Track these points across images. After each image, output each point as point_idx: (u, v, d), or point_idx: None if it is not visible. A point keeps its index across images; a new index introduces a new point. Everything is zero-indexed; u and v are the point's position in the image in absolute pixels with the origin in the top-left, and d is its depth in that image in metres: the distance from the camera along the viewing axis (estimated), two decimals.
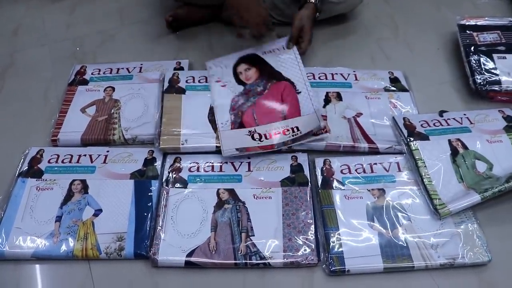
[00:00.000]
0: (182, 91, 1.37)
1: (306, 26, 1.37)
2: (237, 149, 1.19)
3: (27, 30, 1.73)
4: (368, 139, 1.25)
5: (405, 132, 1.23)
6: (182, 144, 1.23)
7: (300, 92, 1.30)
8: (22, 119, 1.39)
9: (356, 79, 1.42)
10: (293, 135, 1.20)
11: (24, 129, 1.36)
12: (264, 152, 1.20)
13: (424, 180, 1.13)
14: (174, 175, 1.18)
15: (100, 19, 1.76)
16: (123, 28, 1.71)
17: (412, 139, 1.21)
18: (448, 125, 1.26)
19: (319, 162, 1.21)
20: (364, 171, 1.18)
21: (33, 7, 1.83)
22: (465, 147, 1.20)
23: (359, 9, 1.64)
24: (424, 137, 1.22)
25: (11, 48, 1.65)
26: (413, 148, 1.19)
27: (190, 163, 1.21)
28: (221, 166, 1.21)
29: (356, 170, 1.19)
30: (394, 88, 1.39)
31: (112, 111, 1.34)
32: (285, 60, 1.37)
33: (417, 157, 1.17)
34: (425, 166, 1.16)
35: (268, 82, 1.34)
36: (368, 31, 1.64)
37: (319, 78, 1.42)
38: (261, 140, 1.20)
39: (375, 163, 1.20)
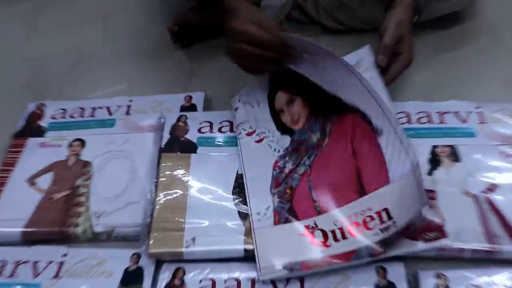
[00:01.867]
0: (191, 148, 0.90)
1: (406, 36, 0.88)
2: (285, 267, 0.70)
3: None
4: None
5: None
6: (187, 247, 0.75)
7: (381, 130, 0.77)
8: None
9: (482, 122, 0.90)
10: (382, 230, 0.69)
11: None
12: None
13: None
14: None
15: (73, 29, 1.34)
16: (106, 43, 1.28)
17: None
18: None
19: (426, 278, 0.70)
20: None
21: None
22: None
23: (479, 5, 1.15)
24: None
25: None
26: None
27: (201, 280, 0.73)
28: (253, 283, 0.72)
29: None
30: None
31: (78, 182, 0.88)
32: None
33: None
34: None
35: (326, 121, 0.84)
36: (496, 38, 1.12)
37: (418, 120, 0.91)
38: (328, 243, 0.71)
39: None
